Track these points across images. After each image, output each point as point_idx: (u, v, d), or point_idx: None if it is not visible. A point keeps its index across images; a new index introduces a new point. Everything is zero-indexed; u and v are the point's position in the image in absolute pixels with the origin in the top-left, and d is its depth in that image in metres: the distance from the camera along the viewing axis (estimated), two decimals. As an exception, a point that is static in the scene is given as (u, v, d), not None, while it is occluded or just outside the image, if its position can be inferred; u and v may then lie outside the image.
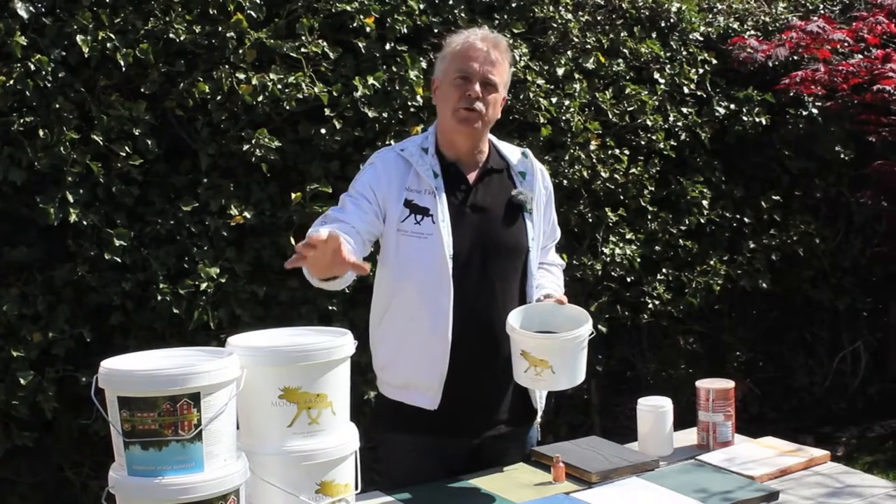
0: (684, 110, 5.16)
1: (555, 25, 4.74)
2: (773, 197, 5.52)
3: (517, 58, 4.51)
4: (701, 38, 5.32)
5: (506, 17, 4.58)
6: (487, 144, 2.70)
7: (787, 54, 5.30)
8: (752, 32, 5.51)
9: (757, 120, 5.33)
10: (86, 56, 3.61)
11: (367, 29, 4.14)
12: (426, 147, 2.62)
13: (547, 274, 2.80)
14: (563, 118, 4.64)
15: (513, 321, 2.44)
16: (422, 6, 4.30)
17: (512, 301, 2.61)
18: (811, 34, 5.21)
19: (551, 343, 2.40)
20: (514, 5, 4.62)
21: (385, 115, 4.11)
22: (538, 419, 2.74)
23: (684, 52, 5.22)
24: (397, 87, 4.13)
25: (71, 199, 3.59)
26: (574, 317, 2.49)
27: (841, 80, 5.27)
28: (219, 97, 3.82)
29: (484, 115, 2.57)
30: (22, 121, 3.52)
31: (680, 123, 5.12)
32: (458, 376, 2.55)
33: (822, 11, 5.85)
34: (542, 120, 4.56)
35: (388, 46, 4.21)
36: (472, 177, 2.64)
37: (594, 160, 4.75)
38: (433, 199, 2.55)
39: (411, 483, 2.51)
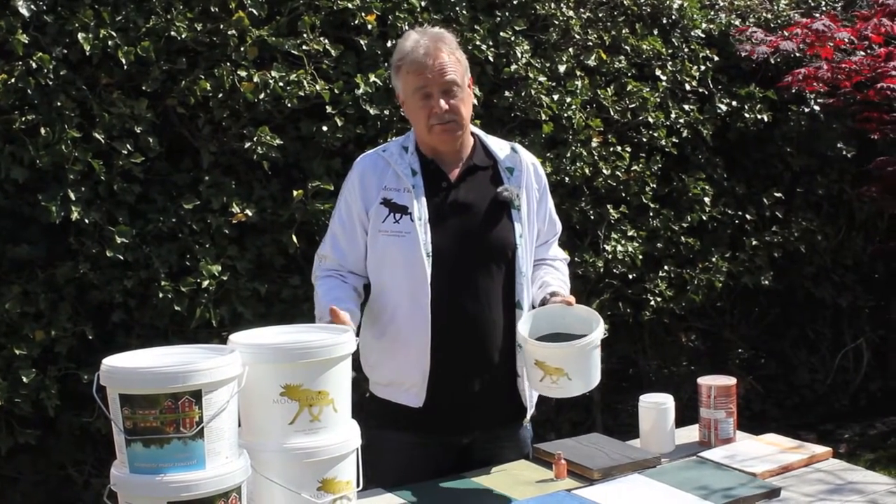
0: (686, 107, 5.15)
1: (556, 22, 4.74)
2: (775, 194, 5.52)
3: (519, 55, 4.50)
4: (703, 35, 5.31)
5: (507, 14, 4.57)
6: (471, 140, 2.69)
7: (794, 48, 5.29)
8: (754, 29, 5.50)
9: (759, 117, 5.33)
10: (87, 54, 3.61)
11: (369, 26, 4.14)
12: (406, 146, 2.64)
13: (552, 270, 2.77)
14: (565, 115, 4.64)
15: (522, 331, 2.43)
16: (423, 3, 4.30)
17: (497, 299, 2.61)
18: (816, 32, 5.20)
19: (566, 351, 2.39)
20: (515, 2, 4.62)
21: (386, 112, 4.11)
22: (528, 419, 2.72)
23: (686, 49, 5.22)
24: (399, 85, 4.12)
25: (73, 196, 3.59)
26: (583, 317, 2.48)
27: (843, 77, 5.26)
28: (220, 95, 3.82)
29: (458, 119, 2.57)
30: (23, 119, 3.52)
31: (682, 120, 5.11)
32: (442, 374, 2.55)
33: (823, 9, 5.84)
34: (543, 117, 4.56)
35: (389, 44, 4.20)
36: (454, 174, 2.64)
37: (596, 157, 4.75)
38: (411, 198, 2.56)
39: (402, 482, 2.50)
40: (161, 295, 3.71)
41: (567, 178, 4.62)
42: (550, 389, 2.43)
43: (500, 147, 2.72)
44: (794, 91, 5.44)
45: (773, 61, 5.46)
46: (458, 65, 2.59)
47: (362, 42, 4.14)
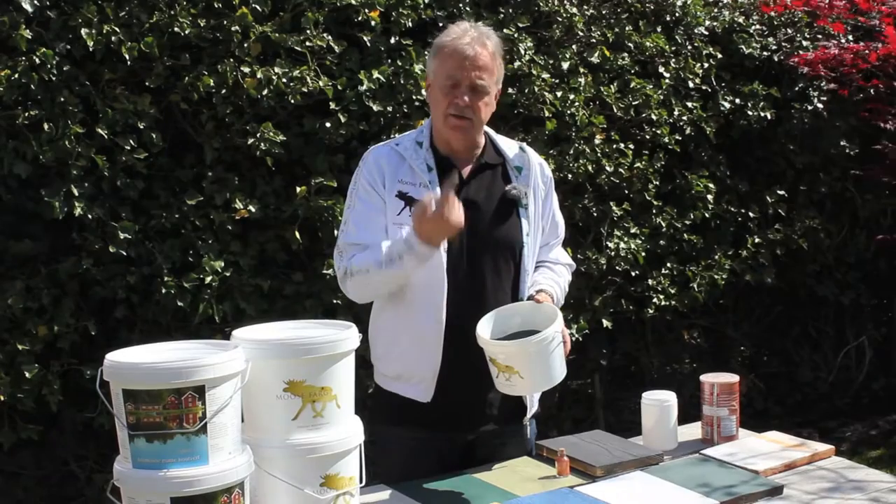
0: (689, 104, 5.15)
1: (560, 19, 4.73)
2: (778, 191, 5.52)
3: (522, 51, 4.50)
4: (706, 33, 5.31)
5: (511, 10, 4.57)
6: (483, 138, 2.69)
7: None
8: (758, 27, 5.50)
9: (762, 114, 5.32)
10: (90, 49, 3.61)
11: (372, 23, 4.14)
12: (420, 141, 2.64)
13: (546, 271, 2.76)
14: (568, 112, 4.64)
15: (480, 328, 2.42)
16: (426, 0, 4.30)
17: (504, 296, 2.61)
18: None
19: (513, 349, 2.36)
20: (518, -1, 4.63)
21: (390, 108, 4.11)
22: (528, 417, 2.72)
23: (689, 47, 5.22)
24: (402, 81, 4.12)
25: (76, 192, 3.60)
26: (550, 315, 2.45)
27: (850, 62, 5.24)
28: (223, 91, 3.82)
29: (475, 119, 2.57)
30: (27, 114, 3.52)
31: (685, 118, 5.11)
32: (450, 370, 2.55)
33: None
34: (546, 114, 4.55)
35: (392, 40, 4.20)
36: (465, 171, 2.64)
37: (599, 154, 4.74)
38: (428, 193, 2.55)
39: (406, 478, 2.51)
40: (164, 291, 3.72)
41: (570, 176, 4.62)
42: (505, 387, 2.42)
43: (508, 146, 2.73)
44: (797, 89, 5.43)
45: (776, 59, 5.46)
46: (495, 70, 2.59)
47: (366, 38, 4.14)
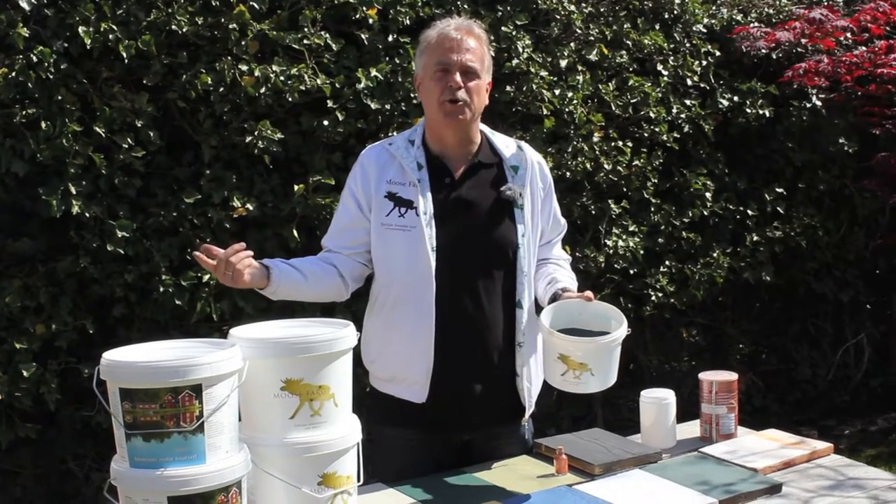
0: (688, 102, 5.15)
1: (558, 17, 4.73)
2: (777, 189, 5.51)
3: (520, 49, 4.50)
4: (704, 30, 5.31)
5: (509, 8, 4.57)
6: (479, 136, 2.66)
7: (793, 40, 5.28)
8: (756, 24, 5.49)
9: (760, 112, 5.32)
10: (88, 47, 3.61)
11: (370, 20, 4.13)
12: (413, 139, 2.62)
13: (559, 269, 2.75)
14: (567, 110, 4.63)
15: (546, 324, 2.41)
16: (424, -2, 4.30)
17: (497, 298, 2.58)
18: (814, 21, 5.20)
19: (594, 347, 2.35)
20: (517, -3, 4.62)
21: (388, 106, 4.10)
22: (526, 417, 2.71)
23: (688, 44, 5.21)
24: (400, 79, 4.12)
25: (73, 190, 3.59)
26: (602, 314, 2.44)
27: (844, 71, 5.26)
28: (221, 89, 3.82)
29: (469, 104, 2.54)
30: (24, 112, 3.52)
31: (683, 115, 5.11)
32: (445, 371, 2.53)
33: (825, 2, 5.83)
34: (545, 112, 4.55)
35: (390, 38, 4.20)
36: (459, 171, 2.61)
37: (597, 152, 4.74)
38: (416, 192, 2.54)
39: (404, 478, 2.50)
40: (162, 289, 3.71)
41: (568, 173, 4.62)
42: (571, 384, 2.39)
43: (505, 145, 2.69)
44: (795, 86, 5.43)
45: (774, 56, 5.46)
46: (483, 56, 2.59)
47: (363, 36, 4.14)
